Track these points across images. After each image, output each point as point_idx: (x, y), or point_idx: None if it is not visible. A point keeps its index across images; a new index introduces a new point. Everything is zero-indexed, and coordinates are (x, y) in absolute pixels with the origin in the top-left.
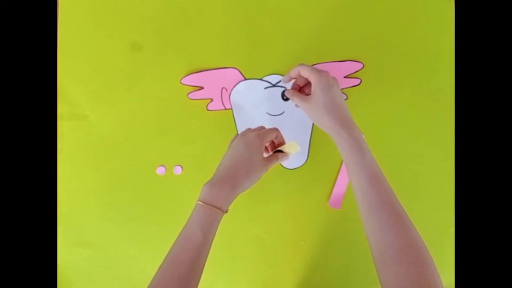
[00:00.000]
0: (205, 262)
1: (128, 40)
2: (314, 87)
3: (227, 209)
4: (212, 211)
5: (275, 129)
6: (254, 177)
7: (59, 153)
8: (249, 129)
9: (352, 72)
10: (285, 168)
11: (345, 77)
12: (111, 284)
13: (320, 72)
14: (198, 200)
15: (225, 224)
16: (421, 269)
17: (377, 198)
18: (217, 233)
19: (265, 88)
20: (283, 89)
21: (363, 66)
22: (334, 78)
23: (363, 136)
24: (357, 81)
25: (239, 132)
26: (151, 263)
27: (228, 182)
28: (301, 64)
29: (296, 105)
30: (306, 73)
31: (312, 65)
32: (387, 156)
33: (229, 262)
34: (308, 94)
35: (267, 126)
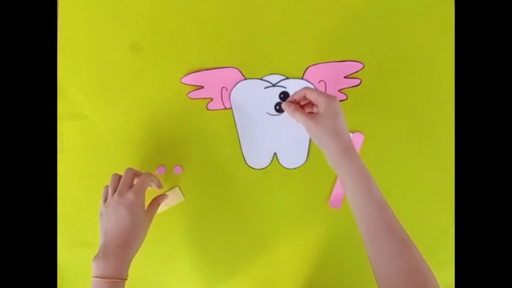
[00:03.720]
0: None
1: (128, 40)
2: (324, 110)
3: (127, 275)
4: (113, 283)
5: (149, 174)
6: (143, 237)
7: (59, 153)
8: (116, 180)
9: (352, 72)
10: (285, 168)
11: (345, 77)
12: None
13: (330, 96)
14: (93, 277)
15: (225, 224)
16: None
17: (384, 225)
18: (217, 233)
19: (265, 87)
20: (283, 89)
21: (363, 66)
22: (339, 103)
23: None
24: (357, 81)
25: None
26: (151, 263)
27: (120, 250)
28: (307, 88)
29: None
30: (314, 96)
31: (312, 65)
32: (387, 156)
33: (229, 262)
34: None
35: (267, 126)
